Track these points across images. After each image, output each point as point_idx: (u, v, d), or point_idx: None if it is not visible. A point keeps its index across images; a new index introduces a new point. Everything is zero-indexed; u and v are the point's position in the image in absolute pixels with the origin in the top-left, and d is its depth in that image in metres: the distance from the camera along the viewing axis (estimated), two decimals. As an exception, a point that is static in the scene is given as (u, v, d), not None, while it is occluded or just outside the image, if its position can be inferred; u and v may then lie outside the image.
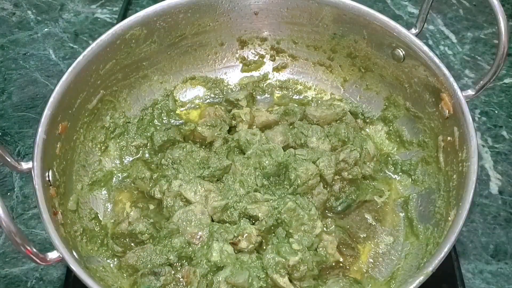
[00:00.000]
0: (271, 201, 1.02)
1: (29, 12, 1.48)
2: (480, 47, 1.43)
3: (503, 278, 1.10)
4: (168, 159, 1.11)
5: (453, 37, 1.45)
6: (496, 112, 1.34)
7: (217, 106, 1.21)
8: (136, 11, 1.39)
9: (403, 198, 1.12)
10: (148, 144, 1.18)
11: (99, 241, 1.04)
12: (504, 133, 1.31)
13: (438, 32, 1.45)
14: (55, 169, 0.98)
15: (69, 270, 1.07)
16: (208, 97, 1.28)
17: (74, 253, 0.88)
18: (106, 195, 1.13)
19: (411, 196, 1.12)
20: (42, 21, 1.47)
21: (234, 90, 1.28)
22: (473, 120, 0.98)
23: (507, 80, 1.36)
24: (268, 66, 1.30)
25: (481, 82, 1.00)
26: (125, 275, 1.00)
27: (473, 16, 1.48)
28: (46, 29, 1.45)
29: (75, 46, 1.43)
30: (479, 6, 1.50)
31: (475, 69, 1.40)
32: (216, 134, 1.14)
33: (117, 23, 1.09)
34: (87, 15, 1.48)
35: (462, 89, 1.00)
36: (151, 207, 1.09)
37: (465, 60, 1.41)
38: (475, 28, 1.46)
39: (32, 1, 1.50)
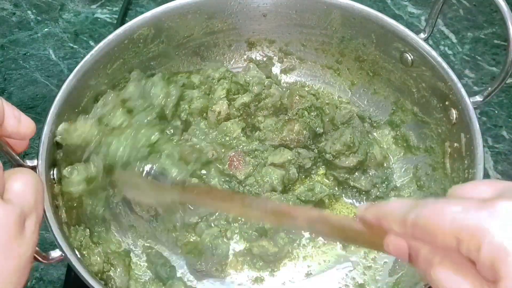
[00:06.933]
0: None
1: (29, 12, 1.47)
2: (480, 47, 1.42)
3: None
4: None
5: (453, 37, 1.43)
6: (496, 112, 1.33)
7: None
8: (136, 11, 1.39)
9: (408, 204, 1.11)
10: None
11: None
12: (504, 133, 1.30)
13: (438, 32, 1.44)
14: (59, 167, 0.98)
15: (69, 270, 1.07)
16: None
17: (77, 252, 0.88)
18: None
19: (416, 202, 1.10)
20: (42, 21, 1.46)
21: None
22: (473, 119, 0.97)
23: (507, 80, 1.35)
24: (276, 68, 1.29)
25: (489, 88, 0.99)
26: None
27: (473, 16, 1.47)
28: (46, 29, 1.45)
29: (75, 46, 1.42)
30: (479, 6, 1.48)
31: (475, 69, 1.39)
32: None
33: (117, 23, 1.08)
34: (87, 15, 1.47)
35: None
36: None
37: (465, 60, 1.40)
38: (475, 28, 1.45)
39: (32, 1, 1.49)
